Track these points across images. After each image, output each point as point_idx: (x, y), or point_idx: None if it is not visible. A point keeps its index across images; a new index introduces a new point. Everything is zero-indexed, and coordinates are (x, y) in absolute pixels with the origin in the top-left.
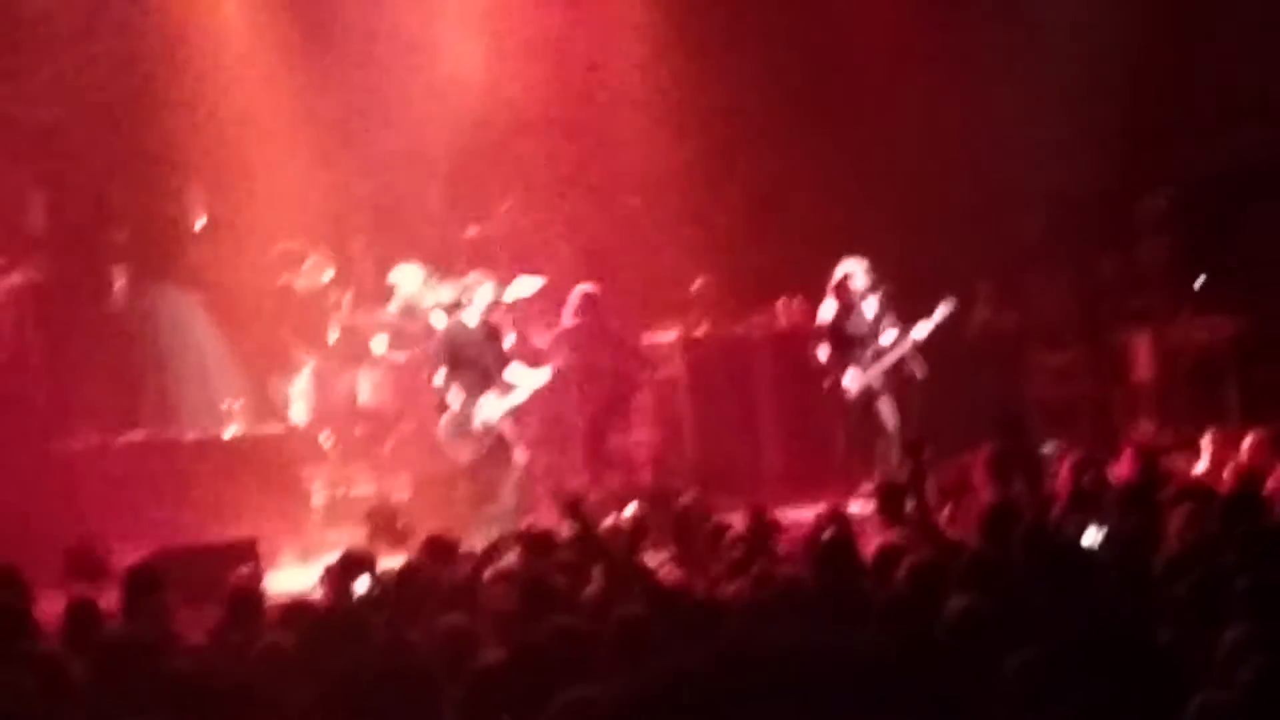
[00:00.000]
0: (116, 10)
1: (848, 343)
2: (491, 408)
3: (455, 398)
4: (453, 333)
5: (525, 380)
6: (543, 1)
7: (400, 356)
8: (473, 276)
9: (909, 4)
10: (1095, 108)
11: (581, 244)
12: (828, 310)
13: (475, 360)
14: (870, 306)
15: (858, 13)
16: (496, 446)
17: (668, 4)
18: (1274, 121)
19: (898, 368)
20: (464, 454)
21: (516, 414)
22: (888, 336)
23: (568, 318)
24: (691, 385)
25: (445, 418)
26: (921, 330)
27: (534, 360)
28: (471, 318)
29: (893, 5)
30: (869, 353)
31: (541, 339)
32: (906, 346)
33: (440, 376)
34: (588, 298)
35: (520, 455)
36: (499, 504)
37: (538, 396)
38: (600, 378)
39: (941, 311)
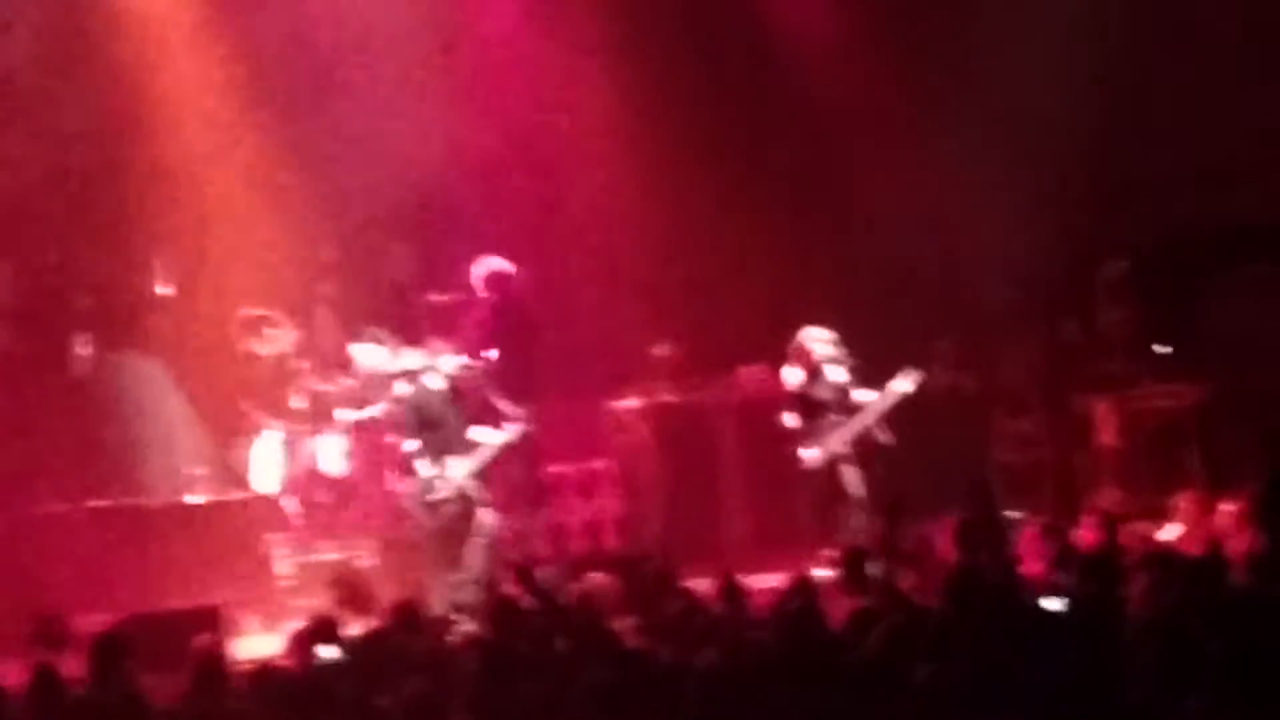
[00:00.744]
0: (80, 78)
1: (813, 409)
2: (457, 471)
3: (421, 462)
4: (417, 397)
5: (490, 440)
6: (505, 73)
7: (364, 422)
8: (435, 343)
9: (869, 73)
10: (1055, 175)
11: (544, 309)
12: (793, 377)
13: (440, 424)
14: (835, 373)
15: (820, 81)
16: (462, 511)
17: (630, 72)
18: (1234, 187)
19: (863, 435)
20: (430, 519)
21: (483, 479)
22: (853, 403)
23: (478, 292)
24: (656, 451)
25: (411, 482)
26: (887, 398)
27: (498, 423)
28: (435, 382)
29: (854, 75)
30: (834, 420)
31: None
32: (872, 414)
33: (406, 441)
34: (496, 273)
35: (487, 520)
36: (465, 569)
37: (504, 461)
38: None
39: (908, 381)
